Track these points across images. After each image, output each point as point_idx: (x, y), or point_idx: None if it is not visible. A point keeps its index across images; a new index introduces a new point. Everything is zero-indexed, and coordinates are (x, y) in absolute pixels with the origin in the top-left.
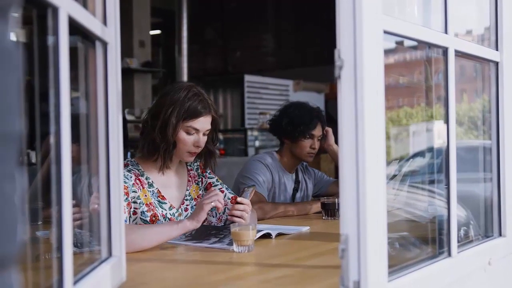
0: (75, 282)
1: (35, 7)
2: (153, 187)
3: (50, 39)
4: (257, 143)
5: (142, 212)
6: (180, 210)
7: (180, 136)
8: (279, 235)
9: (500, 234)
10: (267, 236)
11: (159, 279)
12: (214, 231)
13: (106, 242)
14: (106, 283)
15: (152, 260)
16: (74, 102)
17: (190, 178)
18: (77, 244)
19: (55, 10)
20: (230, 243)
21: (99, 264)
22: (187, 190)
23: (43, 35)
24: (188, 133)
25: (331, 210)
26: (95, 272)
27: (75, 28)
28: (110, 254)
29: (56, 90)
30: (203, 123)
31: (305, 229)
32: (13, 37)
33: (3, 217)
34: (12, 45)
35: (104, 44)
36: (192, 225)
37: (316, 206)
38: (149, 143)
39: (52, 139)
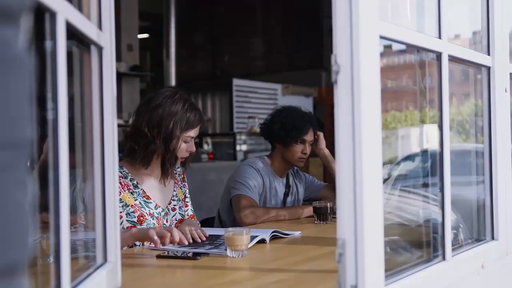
0: None
1: (32, 11)
2: (139, 188)
3: (47, 44)
4: (246, 147)
5: (128, 214)
6: (166, 209)
7: (180, 146)
8: (274, 238)
9: (492, 238)
10: (261, 241)
11: (154, 285)
12: (208, 240)
13: (101, 248)
14: None
15: (147, 266)
16: (68, 107)
17: (176, 180)
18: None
19: (53, 15)
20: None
21: (94, 270)
22: (174, 191)
23: (40, 39)
24: (185, 142)
25: (323, 214)
26: (91, 278)
27: (71, 32)
28: (105, 260)
29: (54, 94)
30: (197, 130)
31: (297, 233)
32: (23, 43)
33: (15, 224)
34: (23, 51)
35: (100, 49)
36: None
37: (308, 210)
38: (150, 154)
39: (49, 144)
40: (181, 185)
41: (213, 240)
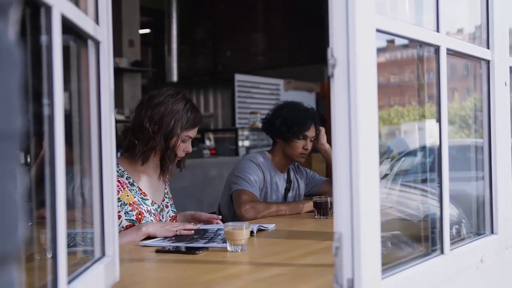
0: (69, 282)
1: (28, 5)
2: (134, 186)
3: (43, 38)
4: (248, 143)
5: (126, 213)
6: (161, 206)
7: (179, 144)
8: (260, 231)
9: (492, 232)
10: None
11: (152, 279)
12: (196, 235)
13: (99, 242)
14: (100, 283)
15: (145, 260)
16: (65, 102)
17: (166, 179)
18: (69, 243)
19: (48, 9)
20: (224, 241)
21: (92, 264)
22: (165, 189)
23: (36, 33)
24: (183, 141)
25: (323, 209)
26: (88, 271)
27: (67, 27)
28: (103, 253)
29: (50, 89)
30: (196, 131)
31: (271, 226)
32: (12, 36)
33: (5, 215)
34: (13, 44)
35: (97, 43)
36: (148, 229)
37: (308, 205)
38: (150, 150)
39: (44, 140)
40: (168, 184)
41: (202, 234)
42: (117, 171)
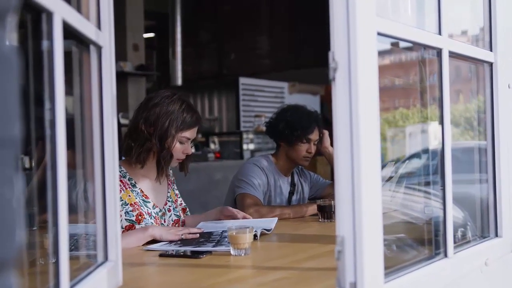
0: (72, 287)
1: (29, 11)
2: (136, 187)
3: (44, 44)
4: (252, 146)
5: (127, 213)
6: (163, 210)
7: (175, 146)
8: (263, 234)
9: (496, 235)
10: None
11: (156, 283)
12: (202, 238)
13: (102, 246)
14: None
15: (148, 264)
16: (67, 107)
17: (169, 182)
18: (72, 247)
19: (49, 15)
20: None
21: (95, 269)
22: (168, 192)
23: (37, 39)
24: (181, 142)
25: (327, 212)
26: (91, 276)
27: (69, 32)
28: (106, 258)
29: (51, 94)
30: (194, 132)
31: (274, 221)
32: (11, 42)
33: (2, 221)
34: (11, 50)
35: (99, 48)
36: (154, 231)
37: (312, 208)
38: (146, 151)
39: (47, 144)
40: (173, 187)
41: (208, 237)
42: (120, 172)
